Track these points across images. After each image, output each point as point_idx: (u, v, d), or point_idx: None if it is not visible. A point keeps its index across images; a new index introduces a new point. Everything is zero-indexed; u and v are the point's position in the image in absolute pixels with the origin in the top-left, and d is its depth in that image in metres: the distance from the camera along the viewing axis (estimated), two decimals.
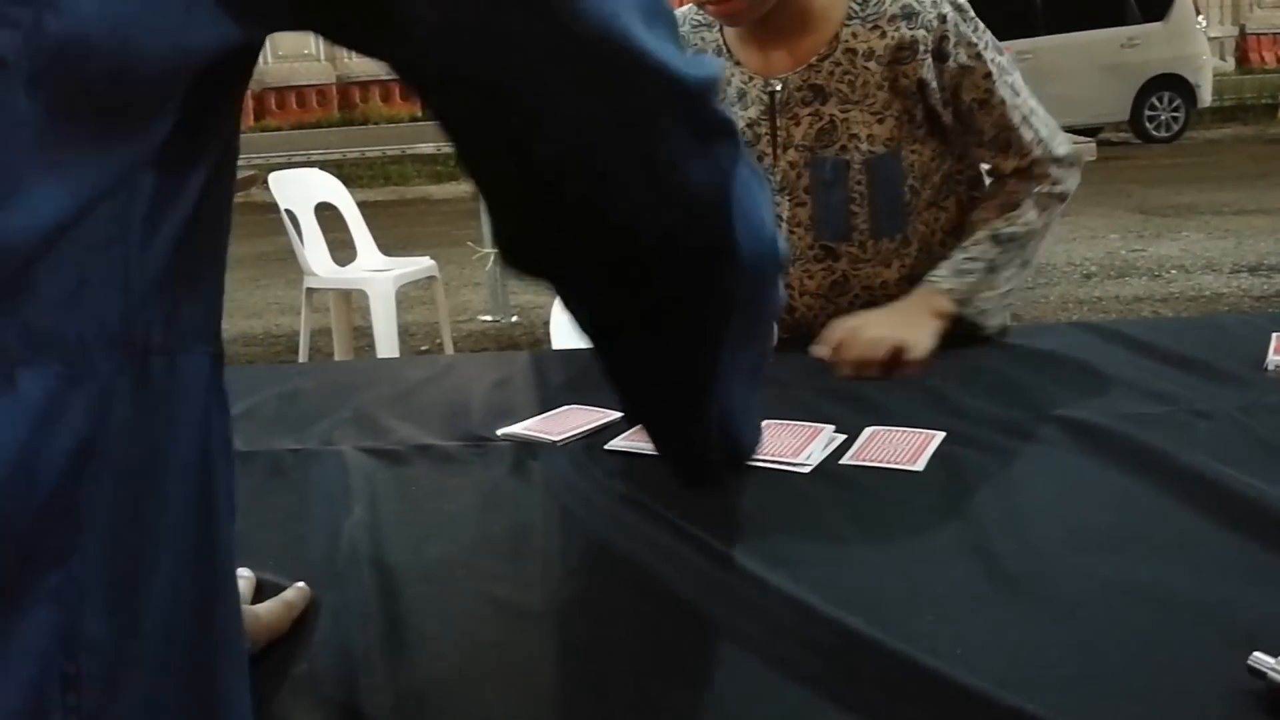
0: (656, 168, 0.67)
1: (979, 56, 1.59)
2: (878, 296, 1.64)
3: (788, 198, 1.66)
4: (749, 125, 1.66)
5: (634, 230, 0.69)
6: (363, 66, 22.08)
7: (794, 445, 1.20)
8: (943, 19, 1.58)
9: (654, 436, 0.89)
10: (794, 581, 0.90)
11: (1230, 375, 1.36)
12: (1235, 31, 22.42)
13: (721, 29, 1.68)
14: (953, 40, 1.58)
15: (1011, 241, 1.62)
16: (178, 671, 0.53)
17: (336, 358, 5.29)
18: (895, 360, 1.46)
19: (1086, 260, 7.04)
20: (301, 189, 5.20)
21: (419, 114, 21.17)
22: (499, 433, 1.32)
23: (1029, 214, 1.63)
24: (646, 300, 0.74)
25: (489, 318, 6.39)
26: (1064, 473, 1.11)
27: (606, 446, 1.25)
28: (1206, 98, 13.33)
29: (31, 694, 0.47)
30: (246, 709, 0.58)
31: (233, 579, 0.60)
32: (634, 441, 1.25)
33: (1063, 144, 1.67)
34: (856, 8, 1.60)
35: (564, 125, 0.62)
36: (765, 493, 1.11)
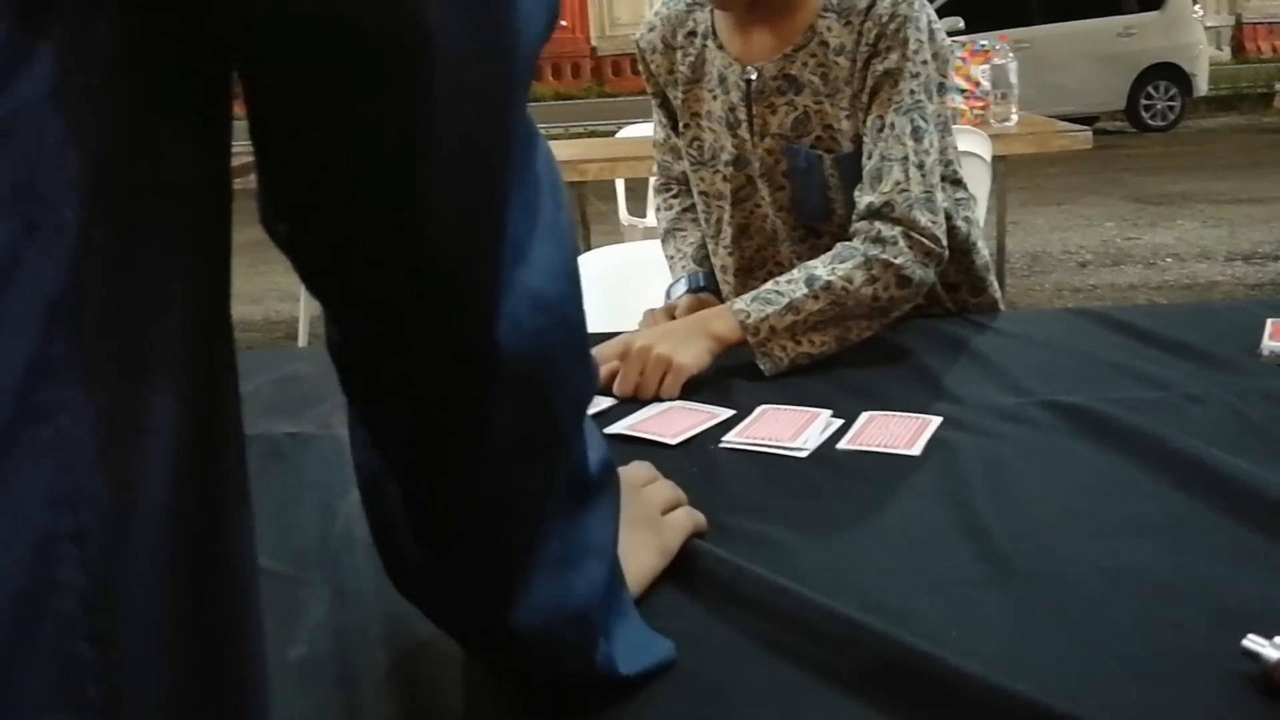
0: None
1: (902, 71, 1.51)
2: None
3: (766, 182, 1.66)
4: (729, 110, 1.65)
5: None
6: None
7: (791, 430, 1.21)
8: (893, 17, 1.51)
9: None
10: (789, 564, 0.90)
11: (1224, 361, 1.36)
12: (1231, 21, 22.41)
13: (711, 10, 1.67)
14: (888, 42, 1.51)
15: (827, 290, 1.43)
16: (183, 527, 0.50)
17: None
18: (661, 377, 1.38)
19: (1082, 248, 7.05)
20: None
21: None
22: None
23: (854, 273, 1.45)
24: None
25: None
26: (1059, 457, 1.12)
27: (606, 430, 1.26)
28: (1203, 87, 13.32)
29: (35, 553, 0.45)
30: (253, 566, 0.55)
31: (240, 436, 0.54)
32: (627, 428, 1.25)
33: (928, 220, 1.48)
34: (834, 0, 1.57)
35: None
36: (762, 476, 1.11)
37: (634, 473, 0.98)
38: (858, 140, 1.57)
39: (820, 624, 0.80)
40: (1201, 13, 14.92)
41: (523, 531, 0.63)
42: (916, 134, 1.50)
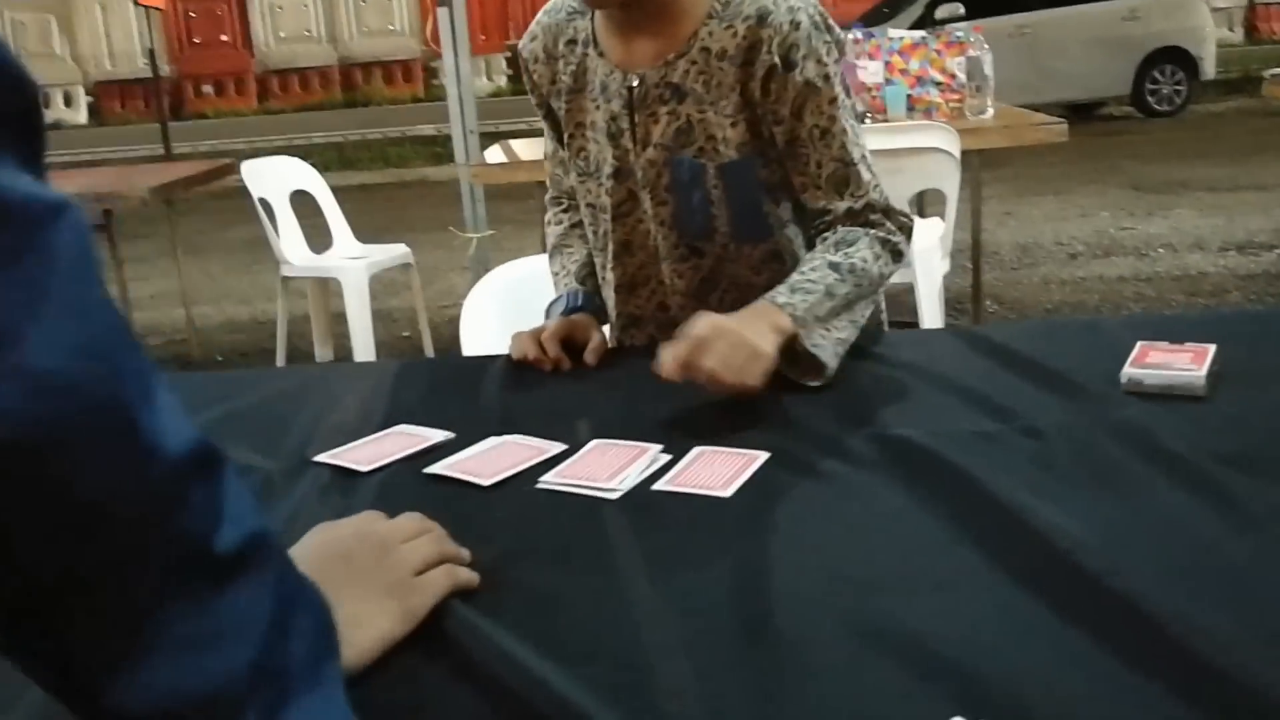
0: None
1: (827, 79, 1.53)
2: (748, 295, 1.53)
3: (649, 195, 1.63)
4: (611, 119, 1.62)
5: None
6: (365, 48, 22.04)
7: (611, 469, 1.17)
8: (795, 25, 1.51)
9: None
10: (548, 626, 0.88)
11: (1081, 388, 1.33)
12: (1244, 1, 22.16)
13: (593, 16, 1.64)
14: (802, 50, 1.51)
15: (851, 273, 1.49)
16: None
17: (315, 346, 5.30)
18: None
19: (1074, 239, 6.98)
20: (275, 177, 5.18)
21: (420, 96, 21.13)
22: (313, 458, 1.29)
23: (867, 253, 1.53)
24: None
25: None
26: (864, 501, 1.08)
27: (426, 470, 1.23)
28: (1210, 70, 13.15)
29: None
30: None
31: None
32: (446, 468, 1.23)
33: (897, 206, 1.59)
34: (718, 7, 1.54)
35: None
36: (564, 522, 1.08)
37: (393, 528, 0.95)
38: (742, 148, 1.56)
39: (542, 702, 0.78)
40: None
41: (105, 619, 0.60)
42: (854, 132, 1.57)
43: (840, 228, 1.57)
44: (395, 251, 5.22)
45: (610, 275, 1.71)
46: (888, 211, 1.58)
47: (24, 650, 0.61)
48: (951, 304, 5.01)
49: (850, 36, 4.97)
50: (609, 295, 1.74)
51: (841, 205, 1.57)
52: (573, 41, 1.65)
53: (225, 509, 0.64)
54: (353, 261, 4.99)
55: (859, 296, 1.51)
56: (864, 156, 1.58)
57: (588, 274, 1.77)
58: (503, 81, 20.89)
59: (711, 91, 1.55)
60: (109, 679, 0.60)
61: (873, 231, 1.56)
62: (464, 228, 6.25)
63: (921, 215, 4.75)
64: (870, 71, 4.86)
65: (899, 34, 4.89)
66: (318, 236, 5.21)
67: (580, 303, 1.71)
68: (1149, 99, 13.01)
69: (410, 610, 0.87)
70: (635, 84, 1.58)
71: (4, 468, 0.53)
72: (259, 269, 7.53)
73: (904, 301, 4.05)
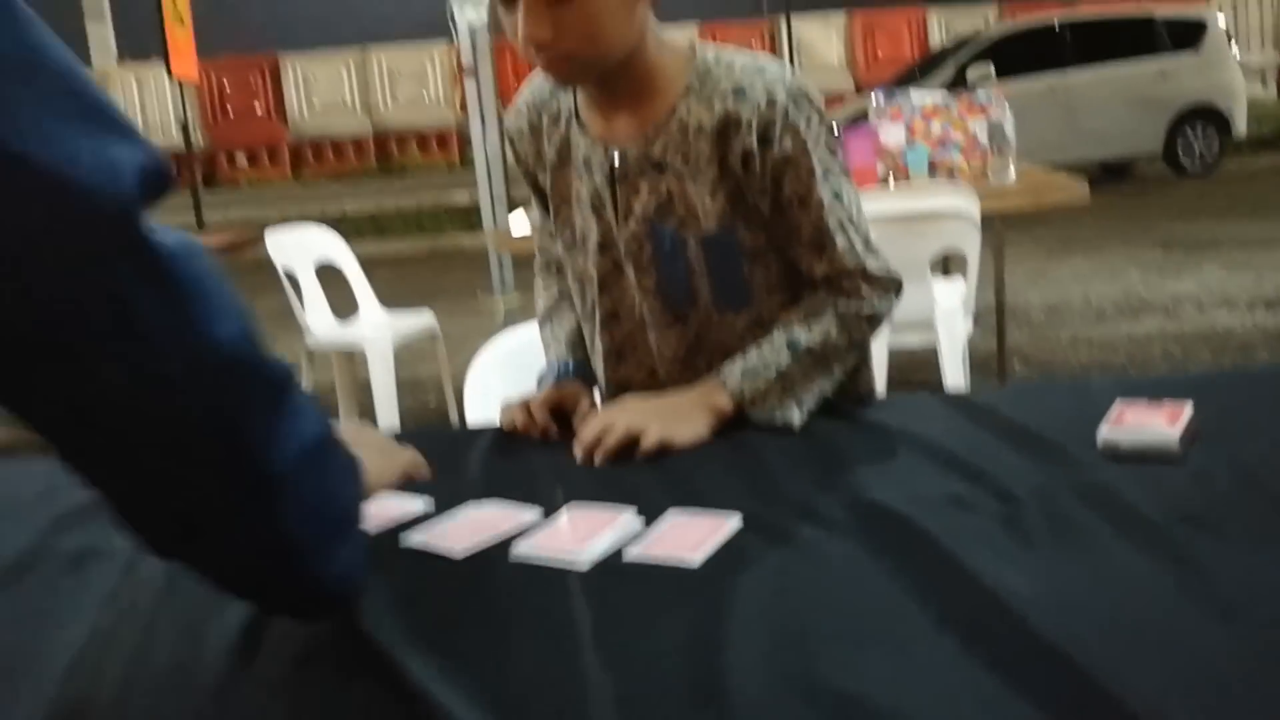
0: None
1: (805, 151, 1.55)
2: (732, 356, 1.61)
3: (632, 266, 1.65)
4: (594, 192, 1.65)
5: None
6: (399, 117, 22.33)
7: (581, 535, 1.18)
8: (772, 103, 1.53)
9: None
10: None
11: (1060, 450, 1.32)
12: (1276, 58, 22.12)
13: (574, 92, 1.67)
14: (779, 126, 1.53)
15: (809, 355, 1.57)
16: None
17: (341, 417, 5.31)
18: (660, 451, 1.45)
19: (1102, 298, 6.95)
20: (300, 246, 5.24)
21: (455, 163, 21.35)
22: None
23: (830, 329, 1.58)
24: None
25: None
26: (828, 566, 1.08)
27: (402, 544, 1.24)
28: (1242, 128, 13.12)
29: None
30: None
31: None
32: (424, 535, 1.23)
33: (877, 264, 1.62)
34: (696, 83, 1.57)
35: None
36: (525, 596, 1.08)
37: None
38: (722, 218, 1.59)
39: None
40: (1243, 52, 14.76)
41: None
42: (837, 196, 1.59)
43: (812, 296, 1.61)
44: (421, 318, 5.26)
45: (599, 343, 1.74)
46: (866, 276, 1.61)
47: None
48: (978, 365, 4.98)
49: (872, 100, 5.01)
50: (598, 363, 1.76)
51: (819, 270, 1.61)
52: (556, 116, 1.68)
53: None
54: (376, 331, 5.02)
55: (826, 363, 1.58)
56: (843, 222, 1.59)
57: (577, 342, 1.79)
58: None
59: (690, 165, 1.58)
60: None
61: (842, 302, 1.60)
62: (491, 293, 6.32)
63: (945, 275, 4.75)
64: (892, 134, 4.89)
65: (920, 97, 4.92)
66: (345, 304, 5.25)
67: (570, 372, 1.73)
68: (1181, 157, 12.98)
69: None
70: (617, 159, 1.61)
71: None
72: (287, 339, 7.60)
73: (929, 362, 4.05)
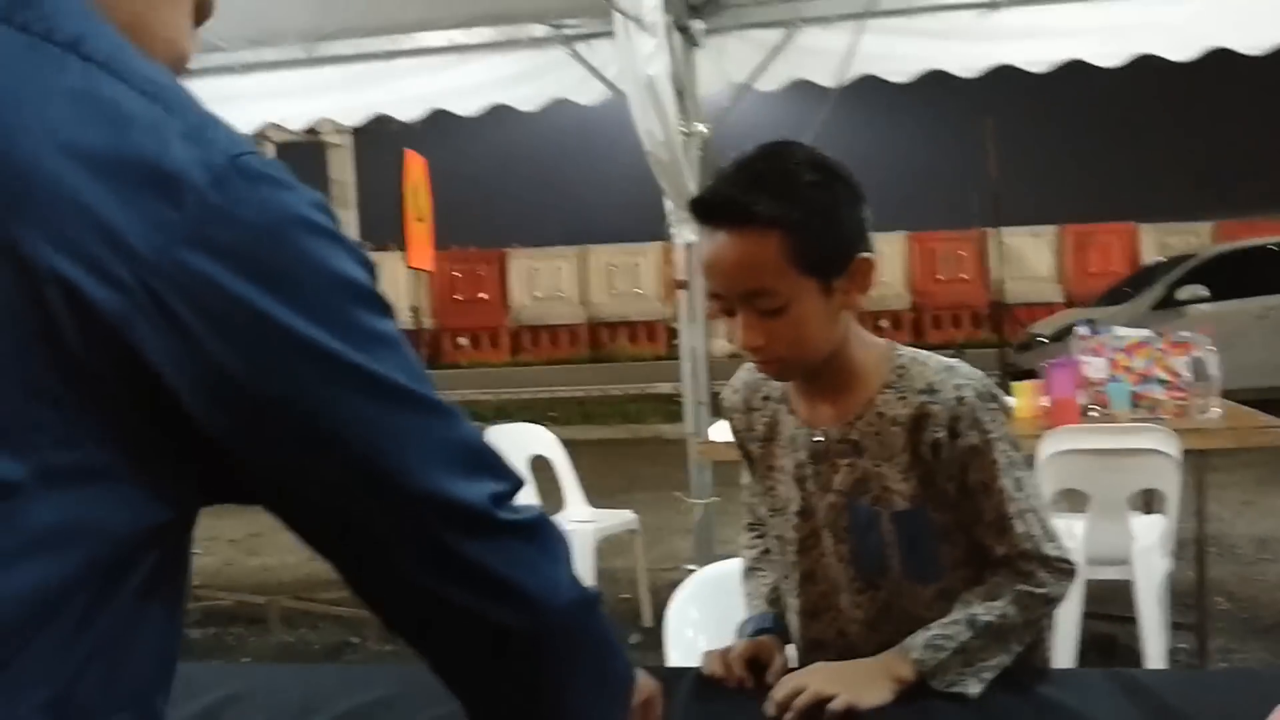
0: None
1: (989, 444, 1.71)
2: (918, 624, 1.74)
3: (830, 534, 1.81)
4: (798, 466, 1.83)
5: None
6: (611, 308, 23.13)
7: None
8: (960, 400, 1.71)
9: None
10: None
11: None
12: None
13: None
14: (966, 422, 1.70)
15: (987, 630, 1.69)
16: None
17: None
18: (846, 713, 1.58)
19: None
20: (515, 443, 5.54)
21: (662, 354, 21.88)
22: None
23: (1008, 609, 1.71)
24: None
25: (693, 567, 6.51)
26: None
27: None
28: None
29: None
30: None
31: None
32: None
33: (1055, 550, 1.75)
34: (894, 378, 1.76)
35: None
36: None
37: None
38: (914, 498, 1.74)
39: None
40: None
41: None
42: (1018, 485, 1.74)
43: (993, 576, 1.76)
44: (622, 518, 5.48)
45: (795, 601, 1.89)
46: (1044, 560, 1.74)
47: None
48: (1179, 599, 4.88)
49: (1076, 333, 5.09)
50: (793, 620, 1.91)
51: (999, 550, 1.75)
52: (767, 398, 1.90)
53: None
54: (581, 526, 5.25)
55: (1004, 639, 1.70)
56: (1023, 511, 1.74)
57: (776, 598, 1.96)
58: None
59: (885, 450, 1.75)
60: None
61: (1020, 585, 1.73)
62: (689, 493, 6.48)
63: (1147, 512, 4.72)
64: (1094, 367, 4.93)
65: (1124, 333, 4.97)
66: (553, 494, 5.50)
67: (768, 625, 1.90)
68: None
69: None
70: (819, 439, 1.80)
71: None
72: None
73: (1127, 598, 4.03)
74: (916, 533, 1.76)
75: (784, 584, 1.93)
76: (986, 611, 1.71)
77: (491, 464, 0.90)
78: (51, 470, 0.73)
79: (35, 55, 0.75)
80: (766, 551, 2.01)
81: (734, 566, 2.38)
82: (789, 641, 1.91)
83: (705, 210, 1.66)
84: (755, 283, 1.63)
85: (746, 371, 1.93)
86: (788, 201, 1.60)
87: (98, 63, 0.76)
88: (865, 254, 1.69)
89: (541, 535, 0.92)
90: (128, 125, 0.74)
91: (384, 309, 0.85)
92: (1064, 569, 1.75)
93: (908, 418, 1.73)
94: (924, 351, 1.80)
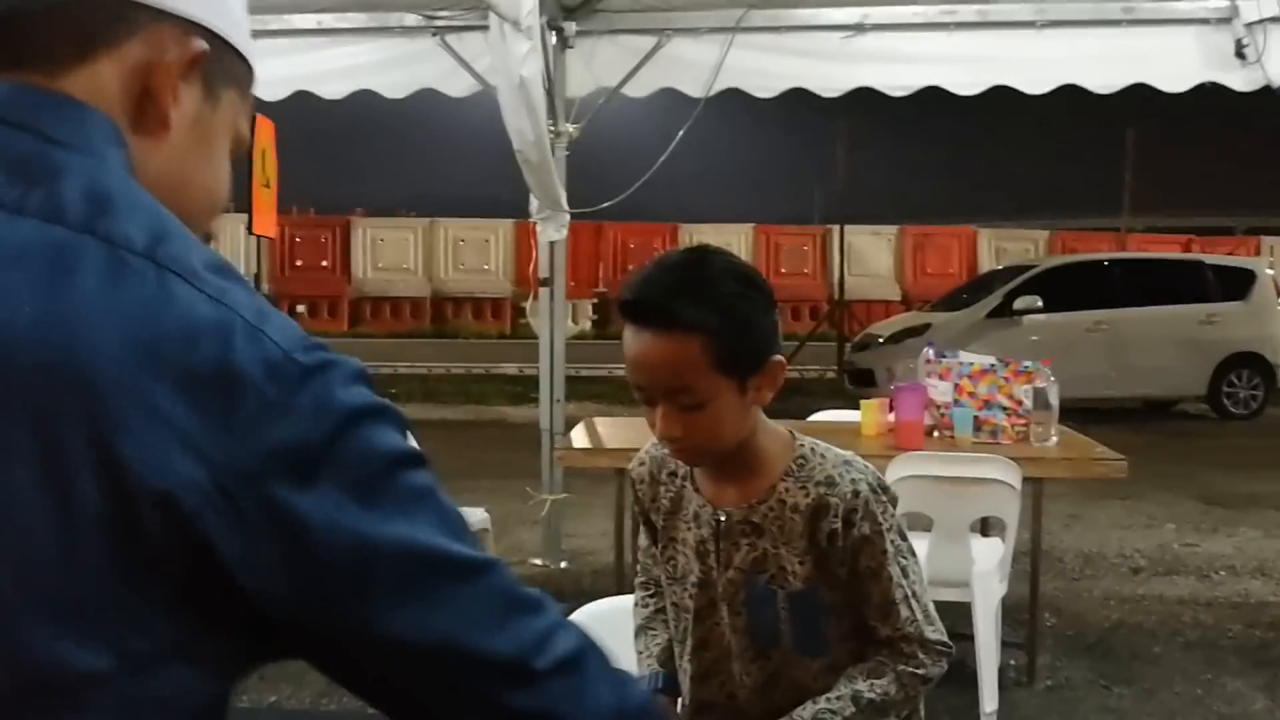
0: None
1: (880, 534, 1.82)
2: (804, 695, 1.85)
3: (726, 606, 1.89)
4: (700, 542, 1.90)
5: None
6: (457, 284, 22.93)
7: None
8: (856, 494, 1.81)
9: None
10: None
11: None
12: None
13: None
14: (860, 514, 1.80)
15: (870, 707, 1.81)
16: None
17: None
18: None
19: (1137, 553, 6.99)
20: None
21: (506, 333, 21.83)
22: None
23: (890, 687, 1.83)
24: None
25: (539, 561, 6.54)
26: None
27: None
28: None
29: None
30: None
31: None
32: None
33: (935, 633, 1.86)
34: (795, 469, 1.85)
35: None
36: None
37: None
38: (808, 580, 1.84)
39: None
40: None
41: None
42: (904, 571, 1.86)
43: (877, 655, 1.86)
44: (474, 517, 5.44)
45: (687, 665, 1.96)
46: (924, 643, 1.85)
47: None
48: (1010, 614, 5.06)
49: (924, 356, 5.24)
50: (684, 681, 1.98)
51: (883, 631, 1.86)
52: (673, 474, 1.96)
53: None
54: None
55: (884, 717, 1.83)
56: (908, 595, 1.84)
57: (668, 657, 2.03)
58: (587, 325, 21.52)
59: (785, 534, 1.84)
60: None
61: (902, 665, 1.84)
62: (539, 489, 6.48)
63: (984, 536, 4.89)
64: (940, 391, 5.09)
65: (970, 359, 5.14)
66: None
67: (660, 684, 1.99)
68: (1225, 401, 13.14)
69: None
70: (722, 518, 1.87)
71: None
72: None
73: (965, 614, 4.17)
74: (809, 611, 1.85)
75: (677, 648, 2.00)
76: (870, 689, 1.82)
77: (528, 604, 0.92)
78: (133, 656, 0.80)
79: (120, 268, 0.81)
80: (659, 611, 2.08)
81: (606, 607, 2.42)
82: (677, 700, 1.99)
83: (633, 312, 1.75)
84: (678, 381, 1.73)
85: (654, 446, 1.99)
86: (711, 309, 1.70)
87: (172, 271, 0.82)
88: (777, 356, 1.80)
89: (581, 664, 0.93)
90: (198, 331, 0.81)
91: (421, 462, 0.89)
92: (942, 651, 1.87)
93: (807, 507, 1.82)
94: (821, 443, 1.89)
